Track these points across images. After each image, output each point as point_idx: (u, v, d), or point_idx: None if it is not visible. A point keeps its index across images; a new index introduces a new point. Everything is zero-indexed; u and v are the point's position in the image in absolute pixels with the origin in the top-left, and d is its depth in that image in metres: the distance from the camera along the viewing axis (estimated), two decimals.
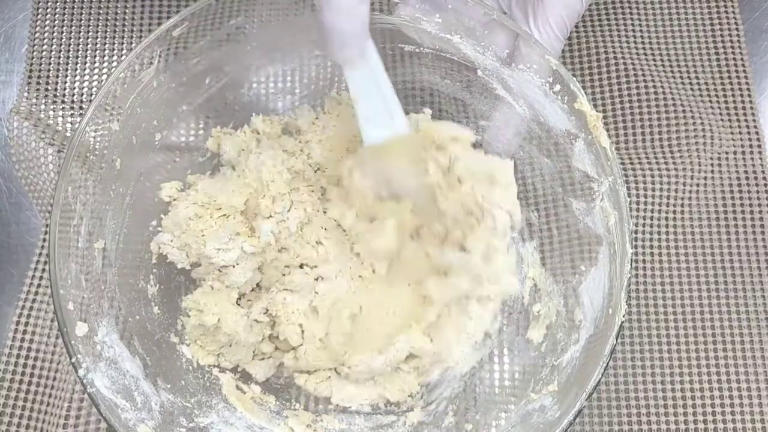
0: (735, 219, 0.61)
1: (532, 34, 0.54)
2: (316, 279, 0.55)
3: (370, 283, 0.57)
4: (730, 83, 0.65)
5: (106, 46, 0.66)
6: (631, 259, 0.48)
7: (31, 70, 0.64)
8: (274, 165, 0.54)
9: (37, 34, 0.66)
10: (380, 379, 0.55)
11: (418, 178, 0.52)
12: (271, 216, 0.54)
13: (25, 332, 0.57)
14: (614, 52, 0.65)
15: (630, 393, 0.56)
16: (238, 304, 0.56)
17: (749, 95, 0.65)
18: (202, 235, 0.52)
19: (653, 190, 0.61)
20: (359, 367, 0.53)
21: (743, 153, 0.63)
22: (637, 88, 0.63)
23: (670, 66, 0.66)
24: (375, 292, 0.56)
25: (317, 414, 0.55)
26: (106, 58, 0.65)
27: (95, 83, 0.64)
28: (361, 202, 0.54)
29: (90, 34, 0.66)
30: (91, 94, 0.64)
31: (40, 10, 0.66)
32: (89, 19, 0.66)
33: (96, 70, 0.65)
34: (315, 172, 0.58)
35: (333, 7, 0.42)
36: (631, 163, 0.62)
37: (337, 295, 0.55)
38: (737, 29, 0.67)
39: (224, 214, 0.53)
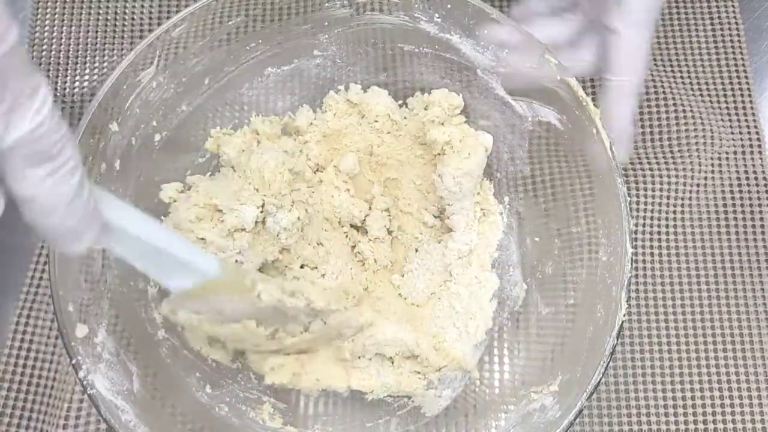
0: (735, 219, 0.61)
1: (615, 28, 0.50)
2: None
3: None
4: (730, 83, 0.65)
5: (106, 46, 0.66)
6: (632, 259, 0.48)
7: None
8: (276, 165, 0.54)
9: (37, 34, 0.66)
10: (383, 371, 0.55)
11: (254, 304, 0.47)
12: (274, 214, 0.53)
13: (24, 333, 0.57)
14: None
15: (630, 393, 0.56)
16: None
17: (749, 95, 0.65)
18: (203, 238, 0.52)
19: (653, 190, 0.61)
20: (372, 339, 0.53)
21: (743, 153, 0.63)
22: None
23: (671, 66, 0.66)
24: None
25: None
26: (105, 58, 0.65)
27: (95, 83, 0.64)
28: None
29: (90, 34, 0.66)
30: (91, 94, 0.64)
31: (39, 10, 0.66)
32: (89, 19, 0.66)
33: (96, 70, 0.65)
34: (315, 173, 0.58)
35: (37, 212, 0.32)
36: (631, 163, 0.61)
37: None
38: (737, 29, 0.67)
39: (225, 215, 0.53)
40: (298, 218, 0.52)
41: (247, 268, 0.50)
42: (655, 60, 0.66)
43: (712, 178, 0.62)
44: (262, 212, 0.53)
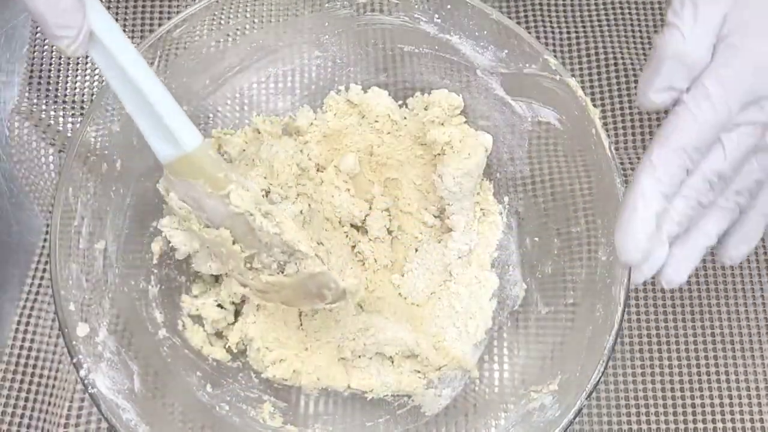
0: None
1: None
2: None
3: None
4: None
5: None
6: None
7: (32, 71, 0.64)
8: (285, 157, 0.54)
9: (38, 35, 0.66)
10: (384, 370, 0.55)
11: (226, 206, 0.47)
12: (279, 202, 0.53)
13: (26, 332, 0.57)
14: (614, 52, 0.65)
15: (630, 393, 0.56)
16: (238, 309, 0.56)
17: None
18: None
19: None
20: (372, 338, 0.53)
21: None
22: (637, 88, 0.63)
23: None
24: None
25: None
26: None
27: (96, 83, 0.64)
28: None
29: None
30: (92, 95, 0.64)
31: None
32: None
33: (97, 71, 0.65)
34: (315, 172, 0.58)
35: None
36: (631, 163, 0.62)
37: None
38: None
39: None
40: (301, 212, 0.52)
41: (229, 165, 0.49)
42: None
43: None
44: (266, 197, 0.53)
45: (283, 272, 0.49)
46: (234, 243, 0.48)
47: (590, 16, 0.67)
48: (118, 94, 0.44)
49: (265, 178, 0.53)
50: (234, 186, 0.46)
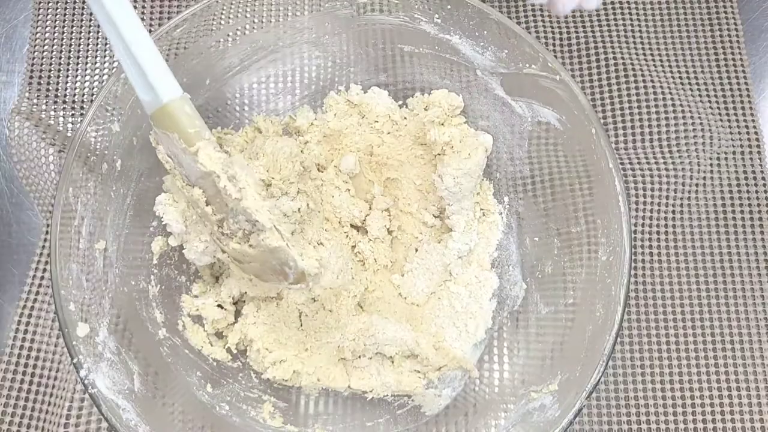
0: (734, 219, 0.61)
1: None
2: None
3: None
4: (730, 83, 0.65)
5: (107, 46, 0.66)
6: (631, 259, 0.48)
7: (32, 71, 0.64)
8: (290, 153, 0.54)
9: (38, 35, 0.66)
10: (383, 370, 0.55)
11: (196, 163, 0.47)
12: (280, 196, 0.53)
13: (26, 332, 0.57)
14: (614, 52, 0.65)
15: (630, 393, 0.56)
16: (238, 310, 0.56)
17: (748, 96, 0.65)
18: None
19: (653, 190, 0.61)
20: (372, 338, 0.53)
21: (742, 153, 0.63)
22: (637, 88, 0.64)
23: (670, 66, 0.66)
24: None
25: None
26: (106, 58, 0.65)
27: (96, 83, 0.64)
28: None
29: (91, 34, 0.66)
30: (92, 95, 0.64)
31: (40, 11, 0.66)
32: (90, 20, 0.66)
33: (97, 71, 0.65)
34: (318, 172, 0.58)
35: None
36: (631, 163, 0.62)
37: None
38: (737, 29, 0.67)
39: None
40: (299, 210, 0.52)
41: (202, 124, 0.48)
42: (654, 60, 0.66)
43: (711, 178, 0.62)
44: (266, 190, 0.53)
45: (248, 242, 0.49)
46: (207, 204, 0.49)
47: (590, 16, 0.67)
48: (109, 39, 0.45)
49: (267, 171, 0.53)
50: (203, 144, 0.47)
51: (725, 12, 0.67)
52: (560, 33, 0.66)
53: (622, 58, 0.65)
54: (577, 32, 0.66)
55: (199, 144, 0.47)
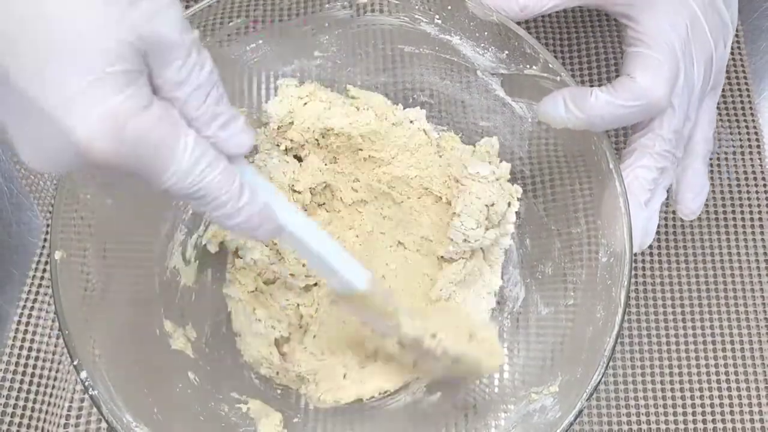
0: (734, 219, 0.61)
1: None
2: (315, 285, 0.56)
3: None
4: (729, 83, 0.65)
5: None
6: (631, 260, 0.48)
7: None
8: (283, 173, 0.54)
9: None
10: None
11: (396, 330, 0.49)
12: None
13: (26, 332, 0.57)
14: (614, 53, 0.65)
15: (630, 393, 0.56)
16: None
17: (748, 95, 0.65)
18: None
19: None
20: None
21: (742, 153, 0.63)
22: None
23: None
24: None
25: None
26: None
27: None
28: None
29: None
30: None
31: None
32: None
33: None
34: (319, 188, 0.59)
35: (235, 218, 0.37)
36: None
37: None
38: (737, 30, 0.67)
39: None
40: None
41: (390, 292, 0.51)
42: None
43: (711, 178, 0.62)
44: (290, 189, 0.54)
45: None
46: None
47: (590, 16, 0.67)
48: (300, 255, 0.49)
49: (294, 172, 0.53)
50: (403, 318, 0.49)
51: None
52: (560, 33, 0.66)
53: (623, 59, 0.65)
54: (577, 33, 0.66)
55: (402, 319, 0.48)
